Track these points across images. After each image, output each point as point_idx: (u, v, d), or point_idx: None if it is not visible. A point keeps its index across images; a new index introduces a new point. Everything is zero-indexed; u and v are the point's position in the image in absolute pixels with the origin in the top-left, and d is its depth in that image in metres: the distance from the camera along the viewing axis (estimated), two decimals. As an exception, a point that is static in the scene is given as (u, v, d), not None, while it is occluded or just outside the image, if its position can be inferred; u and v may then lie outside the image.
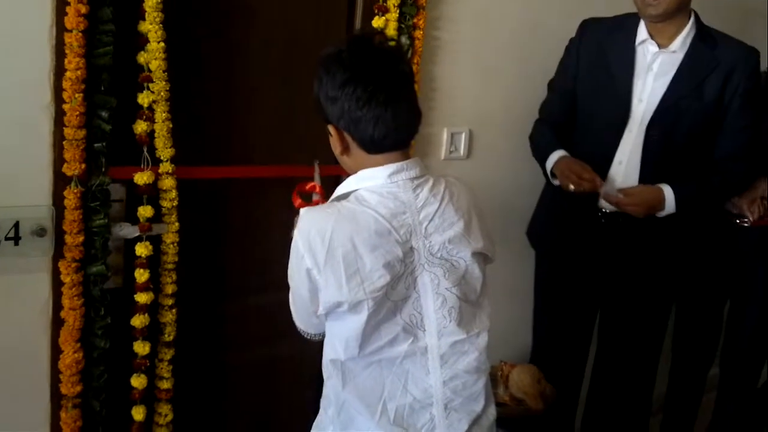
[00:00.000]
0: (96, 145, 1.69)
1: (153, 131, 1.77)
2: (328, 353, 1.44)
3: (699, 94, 2.17)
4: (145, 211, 1.80)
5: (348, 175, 1.46)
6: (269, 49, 2.05)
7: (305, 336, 1.54)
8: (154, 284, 1.86)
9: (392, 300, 1.37)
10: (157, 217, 1.84)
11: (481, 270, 1.47)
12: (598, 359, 2.58)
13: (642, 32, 2.21)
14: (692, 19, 2.20)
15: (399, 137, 1.39)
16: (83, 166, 1.67)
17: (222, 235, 2.11)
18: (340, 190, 1.46)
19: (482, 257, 1.48)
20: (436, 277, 1.41)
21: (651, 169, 2.21)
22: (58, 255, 1.71)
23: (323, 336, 1.48)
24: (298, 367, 2.23)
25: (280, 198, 2.12)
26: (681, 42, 2.18)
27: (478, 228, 1.47)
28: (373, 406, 1.41)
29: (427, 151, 2.38)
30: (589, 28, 2.32)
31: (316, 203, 1.76)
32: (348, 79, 1.34)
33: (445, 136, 2.41)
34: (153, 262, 1.85)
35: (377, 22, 2.10)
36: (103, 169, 1.72)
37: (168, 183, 1.82)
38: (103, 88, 1.68)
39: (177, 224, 1.86)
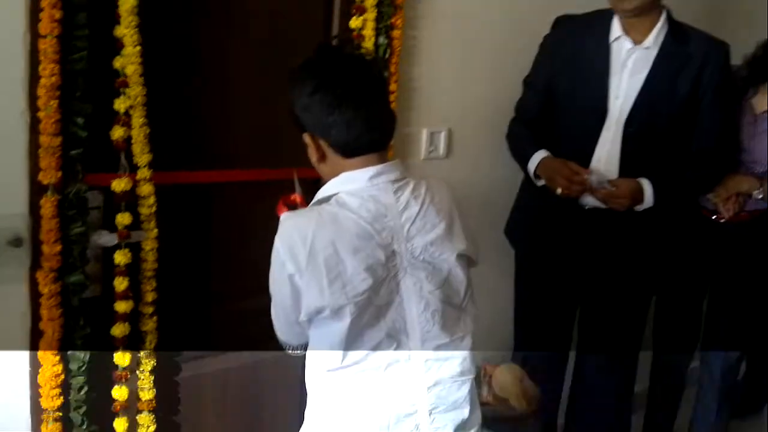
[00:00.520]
0: (72, 152, 1.66)
1: (130, 137, 1.75)
2: (312, 363, 1.44)
3: (673, 90, 2.20)
4: (123, 219, 1.77)
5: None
6: (247, 51, 2.03)
7: (287, 349, 1.53)
8: (134, 292, 1.83)
9: (375, 305, 1.37)
10: (136, 224, 1.81)
11: (465, 273, 1.47)
12: (579, 355, 2.59)
13: (616, 28, 2.22)
14: (664, 14, 2.22)
15: (373, 139, 1.39)
16: (59, 173, 1.64)
17: (202, 240, 2.09)
18: (320, 193, 1.45)
19: (466, 260, 1.48)
20: (419, 280, 1.40)
21: (629, 164, 2.23)
22: (35, 265, 1.67)
23: (306, 348, 1.46)
24: (283, 374, 2.21)
25: (260, 201, 2.10)
26: (654, 38, 2.20)
27: (461, 229, 1.47)
28: (358, 415, 1.40)
29: (407, 151, 2.37)
30: (563, 24, 2.33)
31: None
32: (318, 86, 1.36)
33: (424, 135, 2.41)
34: (132, 270, 1.82)
35: (355, 23, 2.09)
36: (80, 177, 1.68)
37: (146, 189, 1.80)
38: (78, 95, 1.64)
39: (156, 231, 1.84)
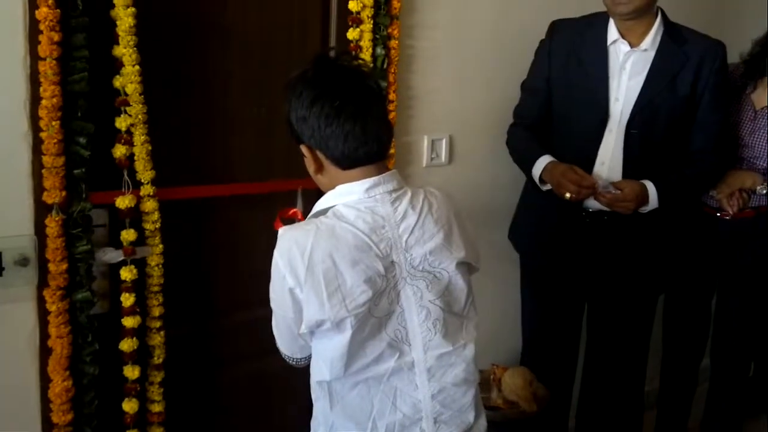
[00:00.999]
0: (75, 171, 1.69)
1: (132, 154, 1.77)
2: (315, 375, 1.44)
3: (672, 91, 2.20)
4: (128, 235, 1.79)
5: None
6: (245, 65, 2.05)
7: (290, 362, 1.53)
8: (140, 307, 1.85)
9: (376, 316, 1.37)
10: (141, 240, 1.83)
11: (465, 280, 1.47)
12: (588, 357, 2.59)
13: (612, 32, 2.23)
14: (659, 16, 2.22)
15: (370, 150, 1.39)
16: (63, 193, 1.67)
17: (207, 254, 2.11)
18: (317, 206, 1.45)
19: (466, 267, 1.48)
20: (419, 290, 1.41)
21: (632, 167, 2.23)
22: (42, 284, 1.70)
23: (308, 360, 1.47)
24: (289, 384, 2.22)
25: (262, 214, 2.12)
26: (651, 40, 2.20)
27: (460, 237, 1.47)
28: (362, 425, 1.41)
29: (409, 159, 2.38)
30: (559, 28, 2.34)
31: None
32: (315, 97, 1.36)
33: (425, 143, 2.42)
34: (139, 286, 1.84)
35: (352, 34, 2.10)
36: (84, 195, 1.71)
37: (150, 205, 1.82)
38: (80, 114, 1.67)
39: (161, 246, 1.86)
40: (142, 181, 1.79)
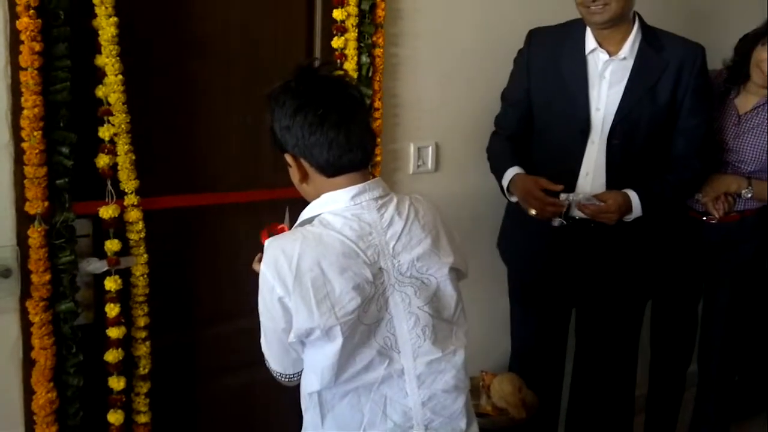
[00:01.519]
0: (58, 181, 1.68)
1: (116, 164, 1.76)
2: (305, 386, 1.43)
3: (653, 98, 2.20)
4: (112, 245, 1.79)
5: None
6: (230, 74, 2.05)
7: (282, 380, 1.51)
8: (125, 318, 1.84)
9: (365, 323, 1.37)
10: (125, 250, 1.82)
11: (455, 287, 1.47)
12: (577, 363, 2.59)
13: (590, 41, 2.22)
14: (637, 23, 2.22)
15: (355, 158, 1.40)
16: (46, 203, 1.66)
17: (192, 263, 2.10)
18: (303, 215, 1.46)
19: (455, 273, 1.48)
20: (407, 296, 1.41)
21: (615, 175, 2.23)
22: (25, 295, 1.69)
23: (300, 376, 1.46)
24: (277, 395, 2.21)
25: (247, 223, 2.12)
26: (630, 48, 2.19)
27: (447, 243, 1.47)
28: None
29: (396, 166, 2.39)
30: (537, 37, 2.33)
31: None
32: (299, 107, 1.37)
33: (412, 150, 2.42)
34: (123, 296, 1.84)
35: (336, 43, 2.11)
36: (67, 206, 1.70)
37: (134, 215, 1.81)
38: (62, 124, 1.66)
39: (146, 256, 1.85)
40: (126, 190, 1.79)
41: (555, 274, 2.38)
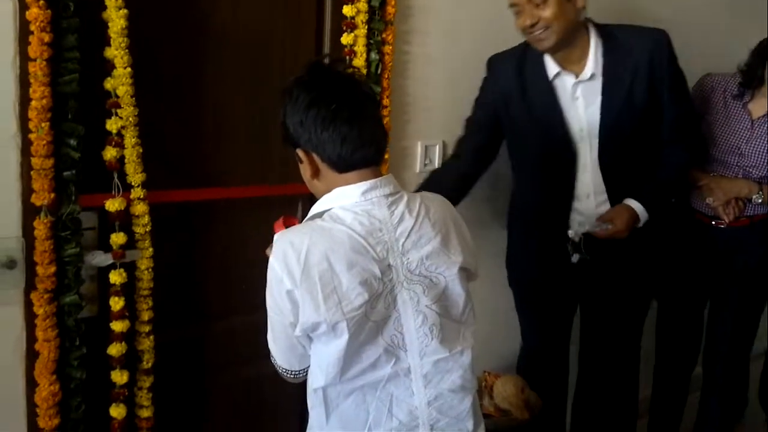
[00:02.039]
0: (65, 173, 1.67)
1: (123, 157, 1.75)
2: (311, 381, 1.43)
3: (632, 103, 2.14)
4: (117, 238, 1.78)
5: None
6: (239, 69, 2.04)
7: (287, 376, 1.50)
8: (129, 311, 1.83)
9: (373, 320, 1.36)
10: (131, 243, 1.81)
11: (464, 286, 1.46)
12: (581, 365, 2.58)
13: (551, 65, 2.16)
14: (593, 33, 2.15)
15: (367, 154, 1.39)
16: (52, 195, 1.65)
17: (197, 258, 2.09)
18: (314, 209, 1.45)
19: (464, 273, 1.46)
20: (416, 294, 1.39)
21: (615, 184, 2.22)
22: (29, 286, 1.68)
23: (306, 373, 1.46)
24: (280, 392, 2.21)
25: (254, 218, 2.12)
26: (593, 63, 2.13)
27: (457, 242, 1.46)
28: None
29: (403, 164, 2.38)
30: (497, 65, 2.28)
31: None
32: (311, 101, 1.36)
33: (419, 149, 2.41)
34: (128, 289, 1.83)
35: (346, 39, 2.10)
36: (73, 198, 1.69)
37: (140, 209, 1.80)
38: (70, 116, 1.65)
39: (151, 250, 1.84)
40: (133, 183, 1.78)
41: (559, 278, 2.37)
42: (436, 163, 2.45)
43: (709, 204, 2.54)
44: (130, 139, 1.74)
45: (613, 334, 2.46)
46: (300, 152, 1.43)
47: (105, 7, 1.67)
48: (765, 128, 2.47)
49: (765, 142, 2.46)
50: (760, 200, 2.48)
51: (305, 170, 1.44)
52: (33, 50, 1.57)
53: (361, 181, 1.39)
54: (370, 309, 1.35)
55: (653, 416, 2.94)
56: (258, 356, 2.06)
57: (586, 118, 2.17)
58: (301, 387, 1.48)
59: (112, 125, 1.73)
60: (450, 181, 2.21)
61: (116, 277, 1.78)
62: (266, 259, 1.39)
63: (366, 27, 2.11)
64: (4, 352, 1.71)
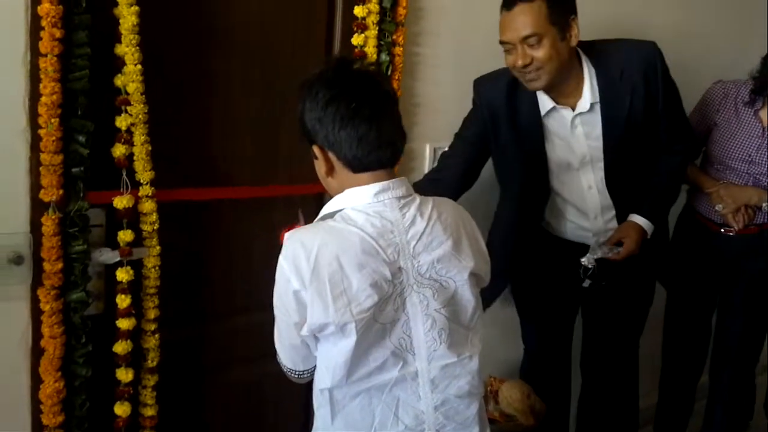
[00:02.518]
0: (74, 169, 1.67)
1: (132, 154, 1.75)
2: (317, 382, 1.42)
3: (632, 121, 2.10)
4: (125, 236, 1.77)
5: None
6: (248, 69, 2.04)
7: (292, 376, 1.49)
8: (136, 309, 1.82)
9: (380, 322, 1.35)
10: (138, 241, 1.81)
11: (473, 292, 1.44)
12: (583, 370, 2.59)
13: (545, 101, 2.10)
14: (584, 59, 2.09)
15: (383, 155, 1.38)
16: (61, 191, 1.65)
17: (204, 257, 2.09)
18: (325, 209, 1.44)
19: (475, 279, 1.45)
20: (425, 298, 1.38)
21: (623, 201, 2.22)
22: (36, 283, 1.68)
23: (312, 373, 1.45)
24: (285, 392, 2.20)
25: (261, 218, 2.11)
26: (590, 94, 2.08)
27: (469, 247, 1.44)
28: None
29: (411, 167, 2.37)
30: (484, 90, 2.21)
31: None
32: (332, 98, 1.34)
33: (427, 151, 2.41)
34: (135, 287, 1.82)
35: (356, 40, 2.09)
36: (82, 194, 1.69)
37: (148, 206, 1.80)
38: (80, 112, 1.65)
39: (158, 248, 1.84)
40: (141, 181, 1.77)
41: (557, 285, 2.36)
42: (445, 166, 2.44)
43: (718, 211, 2.52)
44: (139, 136, 1.74)
45: (613, 339, 2.45)
46: (316, 149, 1.41)
47: (116, 4, 1.67)
48: (776, 136, 2.46)
49: (776, 150, 2.45)
50: (769, 208, 2.47)
51: (320, 167, 1.43)
52: (44, 46, 1.57)
53: (374, 182, 1.38)
54: (379, 311, 1.34)
55: (659, 424, 2.93)
56: (262, 356, 2.05)
57: (588, 144, 2.14)
58: (305, 387, 1.48)
59: (121, 122, 1.73)
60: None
61: (123, 275, 1.78)
62: (273, 259, 1.39)
63: (377, 28, 2.10)
64: (10, 348, 1.70)
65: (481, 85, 2.22)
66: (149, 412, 1.90)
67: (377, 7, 2.09)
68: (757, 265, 2.56)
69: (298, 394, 2.23)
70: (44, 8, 1.55)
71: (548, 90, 2.07)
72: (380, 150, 1.36)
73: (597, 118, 2.10)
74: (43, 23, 1.56)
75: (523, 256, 2.32)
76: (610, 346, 2.47)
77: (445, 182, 2.16)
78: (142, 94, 1.71)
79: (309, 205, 2.19)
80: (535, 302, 2.46)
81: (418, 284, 1.38)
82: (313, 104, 1.36)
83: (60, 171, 1.64)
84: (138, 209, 1.79)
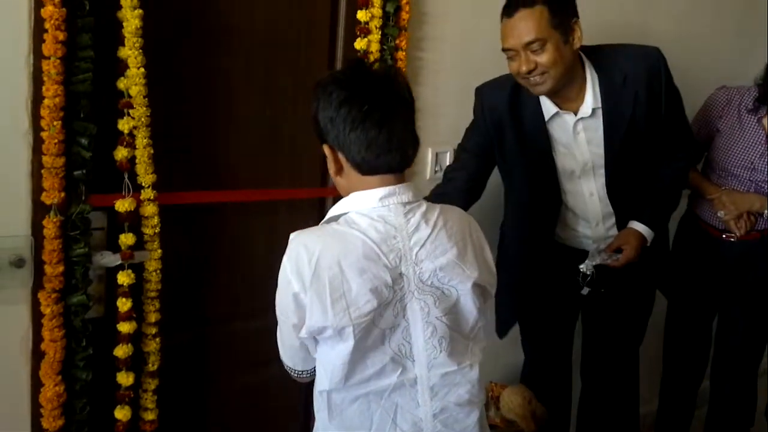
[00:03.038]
0: (76, 172, 1.67)
1: (134, 157, 1.75)
2: (316, 383, 1.42)
3: (634, 127, 2.09)
4: (126, 239, 1.77)
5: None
6: (251, 72, 2.04)
7: (293, 375, 1.50)
8: (137, 313, 1.82)
9: (380, 327, 1.34)
10: (139, 244, 1.80)
11: (476, 303, 1.42)
12: (583, 375, 2.58)
13: (548, 106, 2.09)
14: (588, 67, 2.07)
15: (392, 160, 1.37)
16: (62, 194, 1.64)
17: (206, 260, 2.08)
18: (331, 212, 1.44)
19: (479, 289, 1.43)
20: (426, 305, 1.37)
21: (622, 204, 2.21)
22: (37, 286, 1.67)
23: (312, 374, 1.45)
24: (286, 396, 2.20)
25: (264, 222, 2.11)
26: (592, 98, 2.07)
27: (474, 257, 1.43)
28: None
29: (413, 171, 2.36)
30: (487, 97, 2.19)
31: None
32: (345, 99, 1.34)
33: (430, 156, 2.40)
34: (136, 290, 1.82)
35: (359, 44, 2.09)
36: (83, 197, 1.69)
37: (150, 210, 1.79)
38: (82, 115, 1.65)
39: (159, 251, 1.83)
40: (143, 184, 1.77)
41: (556, 291, 2.36)
42: (447, 170, 2.44)
43: (720, 218, 2.52)
44: (141, 139, 1.74)
45: (613, 346, 2.45)
46: (326, 148, 1.42)
47: (120, 7, 1.66)
48: (779, 143, 2.46)
49: (780, 158, 2.45)
50: (772, 215, 2.47)
51: (330, 165, 1.43)
52: (47, 48, 1.56)
53: (382, 186, 1.38)
54: (378, 316, 1.34)
55: (659, 430, 2.92)
56: (263, 361, 2.06)
57: (590, 150, 2.13)
58: (306, 393, 1.47)
59: (123, 125, 1.72)
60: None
61: (124, 278, 1.77)
62: (275, 262, 1.39)
63: (380, 32, 2.10)
64: (10, 352, 1.70)
65: (483, 92, 2.21)
66: (150, 416, 1.89)
67: (380, 11, 2.09)
68: (759, 272, 2.56)
69: (299, 400, 2.22)
70: (47, 11, 1.55)
71: (552, 95, 2.06)
72: (389, 154, 1.36)
73: (599, 123, 2.09)
74: (47, 26, 1.55)
75: (537, 270, 2.29)
76: (609, 353, 2.47)
77: (451, 196, 2.13)
78: (144, 97, 1.71)
79: (311, 208, 2.19)
80: (535, 309, 2.45)
81: (419, 291, 1.37)
82: (326, 104, 1.36)
83: (62, 174, 1.63)
84: (140, 212, 1.79)
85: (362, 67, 1.41)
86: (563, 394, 2.57)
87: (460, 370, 1.41)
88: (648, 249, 2.23)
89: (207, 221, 2.05)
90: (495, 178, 2.37)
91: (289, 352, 1.46)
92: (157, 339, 1.87)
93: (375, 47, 2.10)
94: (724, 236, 2.57)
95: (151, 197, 1.79)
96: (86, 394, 1.75)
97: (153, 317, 1.86)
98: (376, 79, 1.38)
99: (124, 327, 1.79)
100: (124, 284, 1.78)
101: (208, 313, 2.11)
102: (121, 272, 1.77)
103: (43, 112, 1.59)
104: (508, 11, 1.97)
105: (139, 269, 1.83)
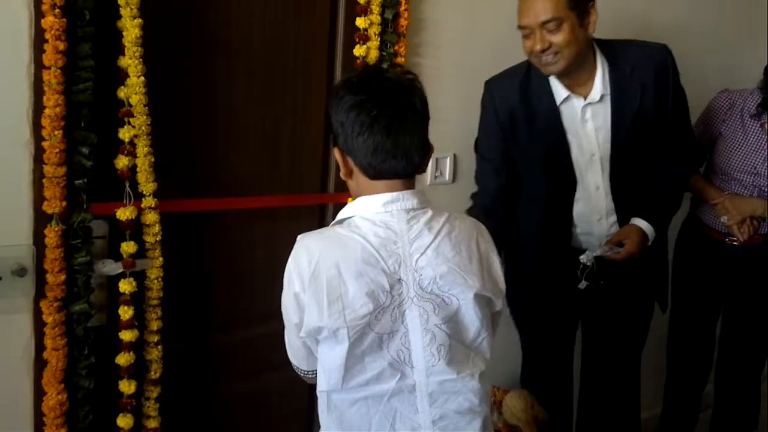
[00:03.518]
0: (77, 181, 1.67)
1: (135, 166, 1.75)
2: (317, 384, 1.43)
3: (641, 119, 2.10)
4: (128, 247, 1.77)
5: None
6: (250, 79, 2.04)
7: (299, 373, 1.53)
8: (138, 321, 1.82)
9: (376, 332, 1.35)
10: (141, 252, 1.81)
11: (478, 313, 1.41)
12: (583, 378, 2.58)
13: (559, 90, 2.11)
14: (598, 53, 2.10)
15: (397, 165, 1.38)
16: (64, 203, 1.65)
17: (207, 268, 2.09)
18: (340, 215, 1.46)
19: (483, 300, 1.42)
20: (425, 312, 1.37)
21: (624, 205, 2.22)
22: (39, 295, 1.68)
23: (315, 374, 1.45)
24: (288, 403, 2.20)
25: (264, 229, 2.11)
26: (601, 85, 2.09)
27: (479, 267, 1.42)
28: None
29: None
30: (497, 89, 2.20)
31: None
32: (354, 104, 1.36)
33: (430, 161, 2.40)
34: (137, 299, 1.82)
35: (358, 51, 2.10)
36: (85, 206, 1.70)
37: (151, 218, 1.80)
38: (83, 124, 1.66)
39: (161, 259, 1.84)
40: (144, 193, 1.78)
41: (558, 297, 2.35)
42: (447, 175, 2.45)
43: (723, 222, 2.52)
44: (142, 148, 1.74)
45: (613, 350, 2.45)
46: (336, 150, 1.44)
47: (120, 17, 1.67)
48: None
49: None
50: (775, 219, 2.47)
51: (340, 168, 1.45)
52: (47, 58, 1.57)
53: (389, 191, 1.39)
54: (375, 320, 1.34)
55: (663, 434, 2.92)
56: (265, 368, 2.06)
57: (597, 140, 2.14)
58: (308, 400, 1.48)
59: (124, 134, 1.73)
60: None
61: (126, 286, 1.78)
62: (276, 270, 1.41)
63: (378, 39, 2.11)
64: (13, 360, 1.70)
65: (493, 84, 2.23)
66: (152, 424, 1.89)
67: (379, 18, 2.09)
68: (761, 275, 2.56)
69: (301, 407, 2.22)
70: (48, 21, 1.56)
71: (562, 77, 2.08)
72: (395, 159, 1.37)
73: (607, 110, 2.11)
74: (47, 36, 1.56)
75: (556, 270, 2.29)
76: (609, 357, 2.46)
77: (490, 207, 2.20)
78: (145, 106, 1.72)
79: (311, 215, 2.20)
80: (534, 311, 2.45)
81: (418, 297, 1.37)
82: (338, 108, 1.38)
83: (63, 183, 1.64)
84: (141, 221, 1.80)
85: (376, 72, 1.42)
86: (565, 398, 2.57)
87: (460, 379, 1.40)
88: (645, 257, 2.23)
89: (208, 229, 2.06)
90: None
91: (294, 351, 1.49)
92: (159, 347, 1.88)
93: (374, 54, 2.11)
94: (727, 240, 2.57)
95: (152, 205, 1.79)
96: (89, 402, 1.75)
97: (155, 325, 1.86)
98: (388, 85, 1.39)
99: (126, 335, 1.79)
100: (126, 292, 1.78)
101: (209, 320, 2.11)
102: (122, 280, 1.78)
103: (44, 122, 1.60)
104: None
105: (140, 277, 1.83)
